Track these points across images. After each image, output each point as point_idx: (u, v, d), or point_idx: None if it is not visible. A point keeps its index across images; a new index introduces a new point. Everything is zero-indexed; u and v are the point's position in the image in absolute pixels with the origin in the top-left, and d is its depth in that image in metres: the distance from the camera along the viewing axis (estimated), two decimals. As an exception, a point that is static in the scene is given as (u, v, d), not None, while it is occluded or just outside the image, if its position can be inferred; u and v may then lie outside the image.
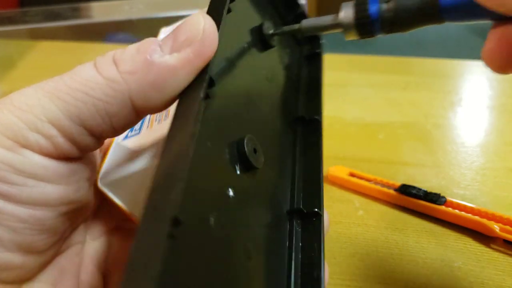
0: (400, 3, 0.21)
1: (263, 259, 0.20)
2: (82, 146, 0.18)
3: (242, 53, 0.23)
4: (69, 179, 0.19)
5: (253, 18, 0.26)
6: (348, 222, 0.37)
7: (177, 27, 0.19)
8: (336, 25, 0.23)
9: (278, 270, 0.21)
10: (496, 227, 0.34)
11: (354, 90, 0.66)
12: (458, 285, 0.31)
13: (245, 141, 0.20)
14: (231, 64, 0.22)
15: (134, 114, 0.18)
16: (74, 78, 0.17)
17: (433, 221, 0.37)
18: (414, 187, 0.38)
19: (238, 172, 0.20)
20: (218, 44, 0.19)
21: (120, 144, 0.25)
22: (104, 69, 0.17)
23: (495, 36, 0.18)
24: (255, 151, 0.21)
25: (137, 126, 0.25)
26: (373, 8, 0.21)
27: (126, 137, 0.25)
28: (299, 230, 0.23)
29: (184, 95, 0.18)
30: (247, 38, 0.24)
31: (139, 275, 0.12)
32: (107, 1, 0.71)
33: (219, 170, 0.19)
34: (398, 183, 0.40)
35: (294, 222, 0.23)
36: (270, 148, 0.24)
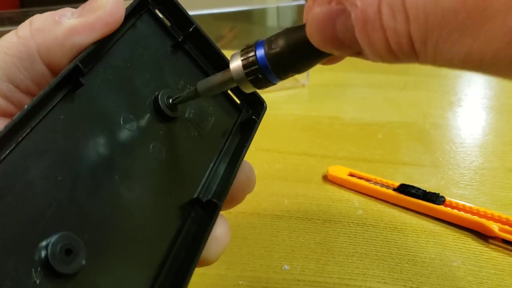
0: (287, 40, 0.18)
1: None
2: (16, 102, 0.20)
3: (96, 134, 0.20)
4: None
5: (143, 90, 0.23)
6: (348, 222, 0.37)
7: (87, 1, 0.21)
8: (229, 80, 0.20)
9: None
10: (495, 227, 0.34)
11: (353, 90, 0.67)
12: (457, 284, 0.31)
13: (52, 241, 0.17)
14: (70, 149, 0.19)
15: (47, 71, 0.20)
16: None
17: (432, 221, 0.37)
18: (413, 187, 0.39)
19: (37, 281, 0.16)
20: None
21: None
22: (20, 30, 0.20)
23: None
24: (68, 252, 0.17)
25: None
26: (260, 53, 0.19)
27: None
28: None
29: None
30: (131, 113, 0.21)
31: None
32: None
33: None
34: (397, 182, 0.40)
35: None
36: (131, 241, 0.20)
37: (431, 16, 0.13)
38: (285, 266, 0.33)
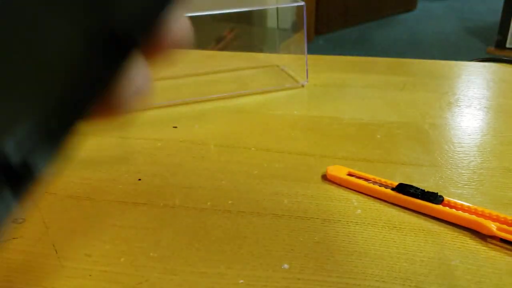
0: None
1: None
2: None
3: None
4: None
5: None
6: (347, 221, 0.37)
7: None
8: None
9: None
10: (493, 226, 0.34)
11: (352, 90, 0.67)
12: (455, 283, 0.31)
13: None
14: None
15: None
16: None
17: (430, 220, 0.37)
18: (411, 187, 0.39)
19: None
20: None
21: None
22: None
23: None
24: None
25: None
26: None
27: None
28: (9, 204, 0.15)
29: None
30: None
31: None
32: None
33: None
34: (396, 182, 0.40)
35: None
36: (23, 64, 0.16)
37: None
38: (285, 265, 0.33)
